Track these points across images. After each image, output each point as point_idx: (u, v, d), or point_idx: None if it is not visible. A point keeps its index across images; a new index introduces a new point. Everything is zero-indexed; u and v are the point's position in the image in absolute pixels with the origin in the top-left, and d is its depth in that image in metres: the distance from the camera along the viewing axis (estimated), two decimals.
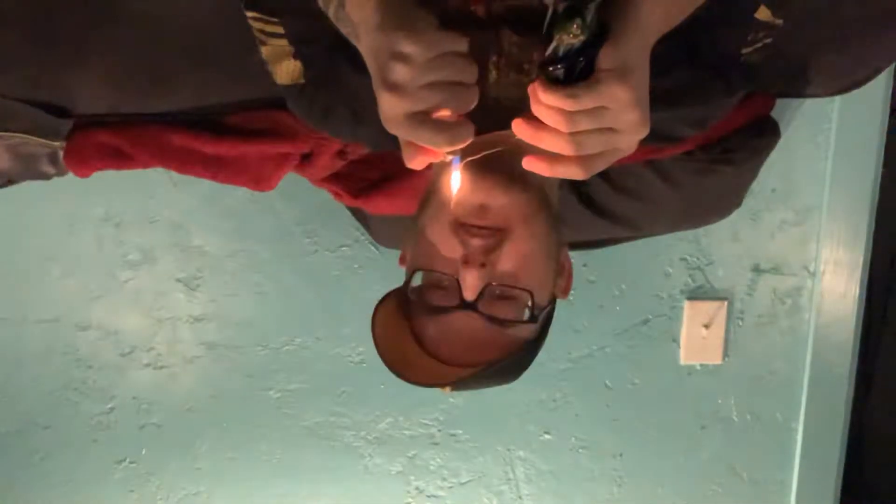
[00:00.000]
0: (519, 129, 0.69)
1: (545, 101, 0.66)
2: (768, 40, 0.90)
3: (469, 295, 0.81)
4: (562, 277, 0.92)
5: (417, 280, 0.87)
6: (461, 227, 0.81)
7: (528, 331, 0.86)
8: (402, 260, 0.95)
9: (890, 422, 1.91)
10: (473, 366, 0.83)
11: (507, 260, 0.82)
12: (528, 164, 0.71)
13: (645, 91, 0.68)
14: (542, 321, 0.89)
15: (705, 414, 1.48)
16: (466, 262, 0.80)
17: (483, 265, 0.80)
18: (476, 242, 0.80)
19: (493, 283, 0.82)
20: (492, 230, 0.81)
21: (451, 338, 0.84)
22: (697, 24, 0.80)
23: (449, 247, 0.82)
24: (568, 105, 0.65)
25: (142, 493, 1.43)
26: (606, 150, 0.69)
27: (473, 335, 0.83)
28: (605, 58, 0.66)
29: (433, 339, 0.86)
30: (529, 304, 0.84)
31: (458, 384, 0.85)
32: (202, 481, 1.44)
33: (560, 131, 0.67)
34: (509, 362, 0.85)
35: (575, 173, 0.70)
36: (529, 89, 0.67)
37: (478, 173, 0.80)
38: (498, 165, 0.79)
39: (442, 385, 0.85)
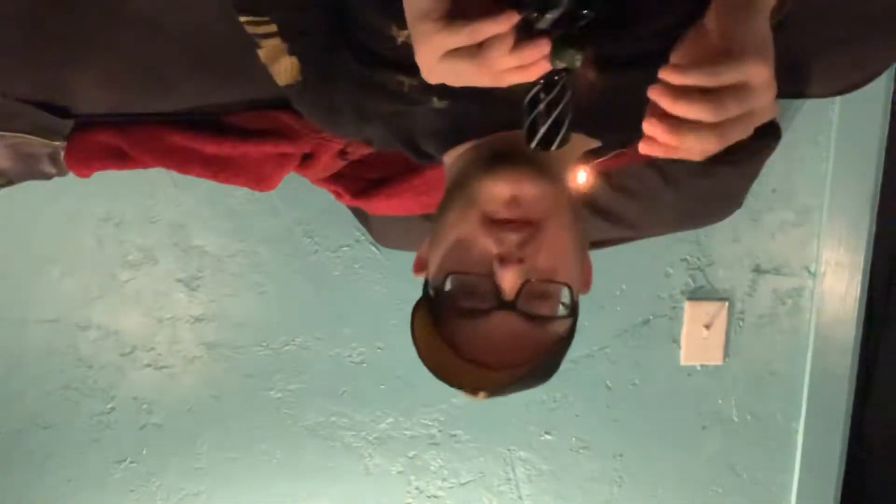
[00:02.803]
0: (653, 129, 0.66)
1: (683, 81, 0.63)
2: None
3: (509, 294, 0.78)
4: (583, 273, 0.89)
5: (447, 286, 0.82)
6: (493, 224, 0.78)
7: (564, 326, 0.83)
8: (417, 268, 0.92)
9: (890, 422, 1.91)
10: (513, 367, 0.79)
11: (544, 254, 0.79)
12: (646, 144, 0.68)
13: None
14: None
15: (706, 414, 1.48)
16: (503, 259, 0.77)
17: (521, 261, 0.77)
18: (511, 237, 0.77)
19: (532, 280, 0.78)
20: (523, 223, 0.78)
21: (491, 341, 0.80)
22: (684, 23, 0.80)
23: (481, 246, 0.79)
24: (711, 81, 0.63)
25: (142, 493, 1.43)
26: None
27: (513, 335, 0.79)
28: (744, 34, 0.64)
29: (470, 343, 0.80)
30: (568, 298, 0.81)
31: (499, 389, 0.81)
32: (202, 481, 1.43)
33: (705, 125, 0.64)
34: (547, 361, 0.82)
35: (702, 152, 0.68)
36: (655, 91, 0.65)
37: (506, 165, 0.78)
38: (524, 157, 0.78)
39: (488, 389, 0.80)
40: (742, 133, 0.67)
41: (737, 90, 0.64)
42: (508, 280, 0.77)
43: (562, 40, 0.65)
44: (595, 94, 0.82)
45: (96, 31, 0.96)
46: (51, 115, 1.00)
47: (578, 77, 0.78)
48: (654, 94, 0.65)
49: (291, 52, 0.86)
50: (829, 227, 1.40)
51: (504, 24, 0.63)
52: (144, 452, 1.41)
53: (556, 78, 0.68)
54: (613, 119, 0.83)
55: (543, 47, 0.65)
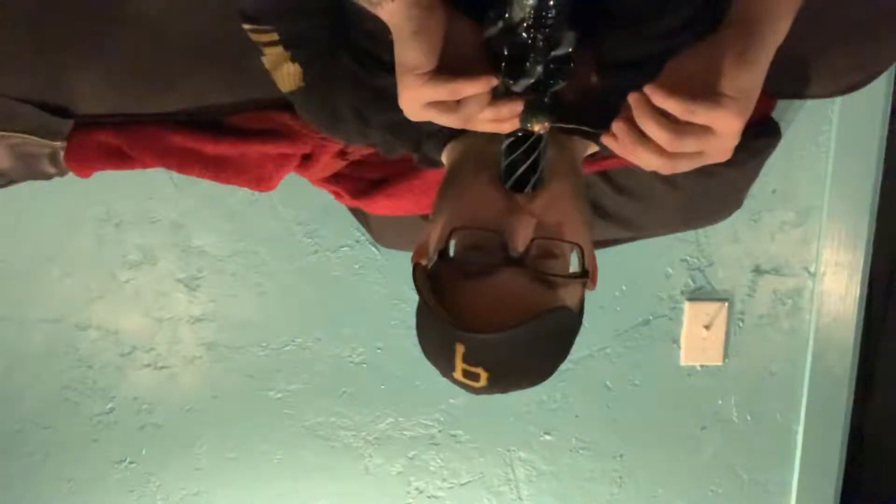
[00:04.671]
0: (619, 130, 0.70)
1: (659, 104, 0.66)
2: None
3: (519, 245, 0.76)
4: (590, 260, 0.87)
5: (452, 247, 0.80)
6: (502, 180, 0.79)
7: (573, 295, 0.80)
8: (417, 256, 0.91)
9: (890, 422, 1.90)
10: (517, 327, 0.73)
11: (553, 212, 0.78)
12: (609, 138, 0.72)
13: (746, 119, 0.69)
14: (579, 302, 0.83)
15: (705, 414, 1.48)
16: (513, 210, 0.77)
17: (531, 214, 0.77)
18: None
19: (540, 237, 0.77)
20: None
21: (497, 299, 0.75)
22: (686, 26, 0.80)
23: (490, 202, 0.78)
24: (683, 115, 0.66)
25: (142, 493, 1.43)
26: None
27: (520, 295, 0.75)
28: (732, 83, 0.66)
29: (474, 306, 0.76)
30: (577, 264, 0.80)
31: (501, 368, 0.76)
32: (202, 481, 1.44)
33: (660, 148, 0.68)
34: (553, 335, 0.78)
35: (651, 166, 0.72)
36: (636, 98, 0.68)
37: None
38: None
39: (489, 365, 0.76)
40: (688, 167, 0.71)
41: (701, 130, 0.67)
42: (518, 229, 0.76)
43: (531, 106, 0.72)
44: (595, 96, 0.83)
45: (97, 32, 0.96)
46: (51, 115, 1.00)
47: (580, 79, 0.79)
48: (632, 101, 0.69)
49: (294, 60, 0.86)
50: (829, 227, 1.40)
51: (483, 86, 0.70)
52: (144, 452, 1.41)
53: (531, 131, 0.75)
54: (611, 121, 0.83)
55: (515, 108, 0.72)
